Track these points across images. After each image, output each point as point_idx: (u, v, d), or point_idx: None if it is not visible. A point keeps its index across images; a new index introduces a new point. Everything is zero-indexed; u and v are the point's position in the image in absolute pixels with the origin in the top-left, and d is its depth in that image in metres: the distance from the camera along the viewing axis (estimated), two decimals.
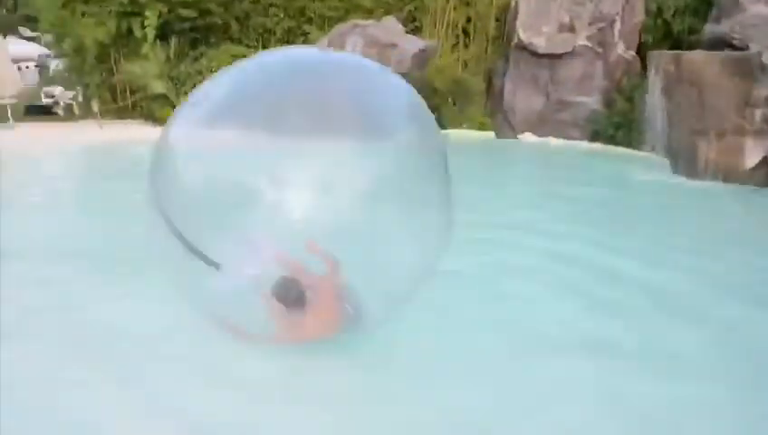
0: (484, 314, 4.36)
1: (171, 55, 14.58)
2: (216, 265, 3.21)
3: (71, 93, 15.64)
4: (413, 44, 13.71)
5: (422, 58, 13.76)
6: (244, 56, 3.90)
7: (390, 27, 14.12)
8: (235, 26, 15.48)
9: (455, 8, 15.43)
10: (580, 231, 6.69)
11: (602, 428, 3.19)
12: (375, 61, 4.06)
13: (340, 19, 15.15)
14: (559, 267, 5.38)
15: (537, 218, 7.07)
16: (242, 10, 15.58)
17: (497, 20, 15.34)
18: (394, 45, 13.48)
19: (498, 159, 12.61)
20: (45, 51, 20.51)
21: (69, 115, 15.24)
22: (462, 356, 3.77)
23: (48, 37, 18.44)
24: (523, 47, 13.57)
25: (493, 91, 14.80)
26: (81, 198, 8.61)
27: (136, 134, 12.78)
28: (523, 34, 13.46)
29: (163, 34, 14.55)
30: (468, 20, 15.60)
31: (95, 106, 14.65)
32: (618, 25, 13.19)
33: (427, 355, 3.77)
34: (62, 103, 15.46)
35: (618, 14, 13.14)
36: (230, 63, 3.80)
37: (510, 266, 5.38)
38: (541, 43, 13.35)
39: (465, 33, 15.72)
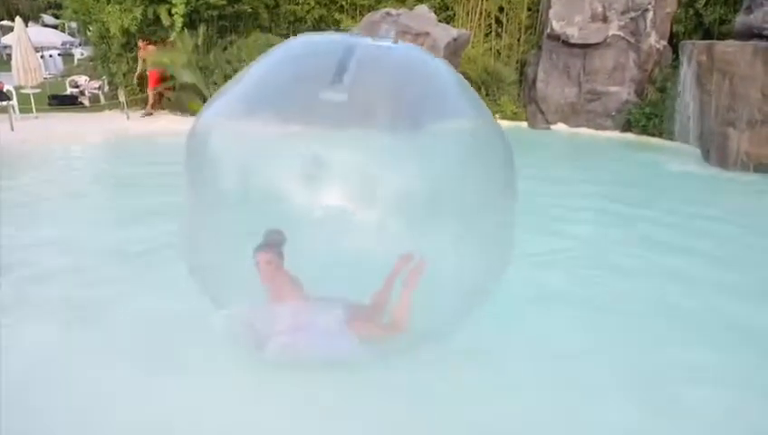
0: None
1: (199, 44, 14.95)
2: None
3: (96, 83, 16.25)
4: (445, 33, 14.48)
5: (454, 47, 14.55)
6: (273, 45, 4.02)
7: (423, 16, 14.94)
8: (264, 14, 16.16)
9: None
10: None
11: None
12: None
13: (372, 7, 15.99)
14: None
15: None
16: None
17: (530, 10, 16.32)
18: (426, 34, 14.22)
19: (534, 149, 13.21)
20: (69, 39, 20.66)
21: (95, 105, 15.76)
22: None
23: (72, 25, 18.84)
24: (555, 37, 14.56)
25: (525, 81, 15.81)
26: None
27: (164, 125, 13.41)
28: (555, 24, 14.46)
29: (191, 22, 14.97)
30: (501, 9, 16.52)
31: (122, 96, 14.88)
32: (650, 15, 14.12)
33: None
34: (87, 93, 16.02)
35: (650, 3, 14.07)
36: (260, 53, 3.94)
37: None
38: (573, 33, 14.34)
39: (498, 22, 16.61)
